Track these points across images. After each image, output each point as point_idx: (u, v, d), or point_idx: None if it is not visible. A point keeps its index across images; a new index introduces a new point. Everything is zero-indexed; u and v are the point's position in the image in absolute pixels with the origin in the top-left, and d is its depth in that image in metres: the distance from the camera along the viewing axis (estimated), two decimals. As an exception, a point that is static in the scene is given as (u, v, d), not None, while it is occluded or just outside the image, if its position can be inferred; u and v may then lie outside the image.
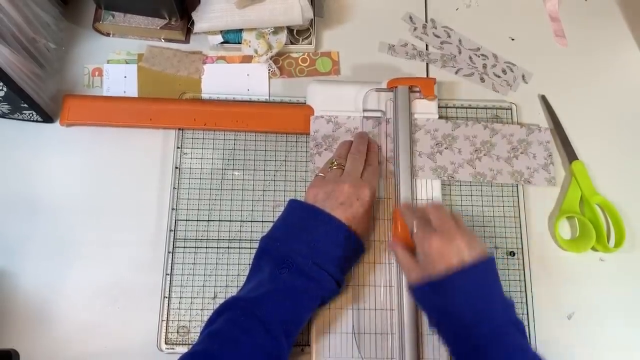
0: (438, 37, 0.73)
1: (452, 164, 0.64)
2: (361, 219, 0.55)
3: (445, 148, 0.64)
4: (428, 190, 0.63)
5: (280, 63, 0.70)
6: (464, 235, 0.50)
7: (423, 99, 0.66)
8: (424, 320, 0.57)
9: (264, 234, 0.55)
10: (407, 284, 0.54)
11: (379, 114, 0.65)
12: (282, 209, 0.63)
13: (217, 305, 0.51)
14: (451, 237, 0.50)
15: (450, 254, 0.49)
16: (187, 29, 0.70)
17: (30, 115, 0.63)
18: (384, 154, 0.64)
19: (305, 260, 0.52)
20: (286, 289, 0.51)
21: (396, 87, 0.65)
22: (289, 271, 0.52)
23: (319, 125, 0.64)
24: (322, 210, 0.54)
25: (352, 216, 0.54)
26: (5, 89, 0.57)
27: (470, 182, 0.64)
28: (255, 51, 0.67)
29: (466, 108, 0.68)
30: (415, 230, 0.54)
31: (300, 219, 0.55)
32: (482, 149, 0.65)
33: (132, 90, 0.68)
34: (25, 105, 0.61)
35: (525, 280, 0.61)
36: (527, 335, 0.57)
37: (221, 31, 0.68)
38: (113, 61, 0.69)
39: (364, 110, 0.65)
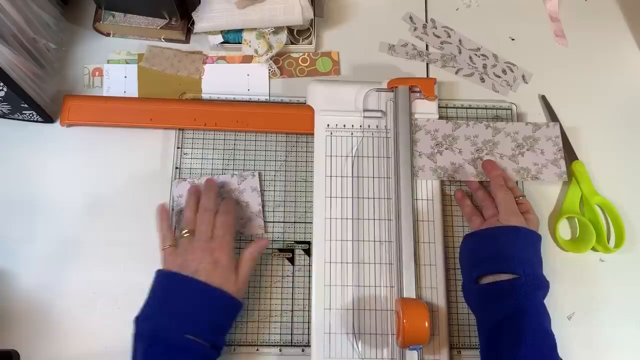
0: (438, 37, 0.73)
1: (452, 165, 0.64)
2: (225, 278, 0.53)
3: (446, 148, 0.64)
4: (428, 190, 0.63)
5: (280, 63, 0.70)
6: None
7: (423, 99, 0.66)
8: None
9: (137, 313, 0.52)
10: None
11: (379, 114, 0.65)
12: (281, 208, 0.63)
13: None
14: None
15: (518, 217, 0.57)
16: (188, 28, 0.70)
17: (31, 115, 0.63)
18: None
19: (174, 334, 0.50)
20: None
21: (396, 87, 0.65)
22: (158, 349, 0.49)
23: (182, 190, 0.62)
24: (184, 276, 0.53)
25: (212, 277, 0.53)
26: (5, 89, 0.57)
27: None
28: (256, 51, 0.67)
29: (466, 108, 0.68)
30: (500, 188, 0.59)
31: (164, 291, 0.53)
32: (484, 148, 0.65)
33: (132, 90, 0.68)
34: (26, 106, 0.61)
35: (525, 281, 0.61)
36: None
37: (221, 31, 0.68)
38: (113, 61, 0.69)
39: (364, 110, 0.65)
